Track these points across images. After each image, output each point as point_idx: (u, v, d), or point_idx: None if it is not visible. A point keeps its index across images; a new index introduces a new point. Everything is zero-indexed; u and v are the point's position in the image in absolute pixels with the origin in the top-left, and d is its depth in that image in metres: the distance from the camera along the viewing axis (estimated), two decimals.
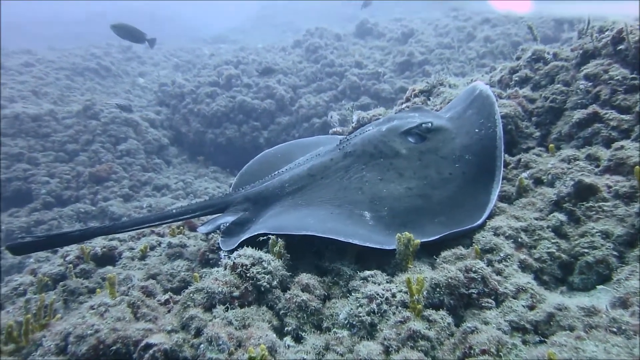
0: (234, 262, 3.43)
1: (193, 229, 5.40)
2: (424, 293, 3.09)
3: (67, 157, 13.36)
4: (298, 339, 3.12)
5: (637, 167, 3.41)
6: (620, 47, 4.67)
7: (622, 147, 3.89)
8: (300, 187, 4.38)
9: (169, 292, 3.64)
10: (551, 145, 4.69)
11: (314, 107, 14.45)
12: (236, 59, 17.29)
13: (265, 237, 3.82)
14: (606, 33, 5.00)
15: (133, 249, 5.05)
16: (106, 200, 12.14)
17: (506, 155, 4.87)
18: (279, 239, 3.70)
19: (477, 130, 4.25)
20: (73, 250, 5.03)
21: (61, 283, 4.33)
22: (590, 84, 4.72)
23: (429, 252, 3.68)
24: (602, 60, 4.80)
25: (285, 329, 3.19)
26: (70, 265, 4.62)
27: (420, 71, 14.82)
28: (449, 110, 4.83)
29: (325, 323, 3.22)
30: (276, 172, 4.77)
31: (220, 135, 14.96)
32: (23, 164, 12.70)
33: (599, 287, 3.20)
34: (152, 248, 5.01)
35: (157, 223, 4.60)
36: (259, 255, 3.47)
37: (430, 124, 4.36)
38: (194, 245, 4.87)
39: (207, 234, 4.63)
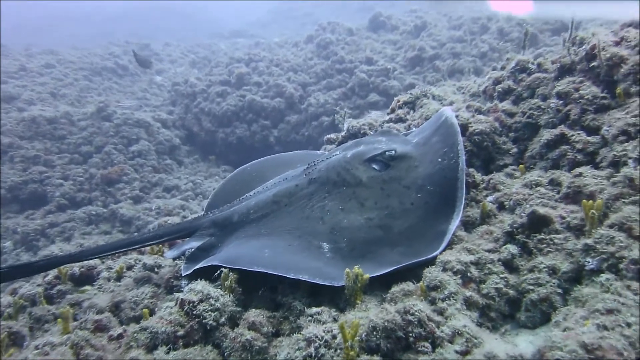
0: (181, 299, 3.49)
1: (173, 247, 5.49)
2: (363, 336, 3.08)
3: (82, 159, 13.68)
4: None
5: (584, 200, 3.32)
6: (593, 63, 4.51)
7: (580, 175, 3.78)
8: (264, 214, 4.40)
9: (124, 326, 3.73)
10: (521, 165, 4.60)
11: (323, 105, 14.37)
12: (247, 56, 17.30)
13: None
14: (583, 47, 4.82)
15: (111, 268, 5.15)
16: (117, 202, 12.42)
17: (479, 175, 4.80)
18: (231, 273, 3.74)
19: (439, 160, 4.18)
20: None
21: (28, 310, 4.45)
22: (561, 102, 4.59)
23: (385, 282, 3.66)
24: (575, 78, 4.65)
25: None
26: (41, 288, 4.72)
27: (430, 66, 14.57)
28: (418, 134, 4.76)
29: None
30: (244, 196, 4.80)
31: (230, 134, 15.09)
32: (39, 167, 13.06)
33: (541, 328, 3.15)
34: (130, 268, 5.11)
35: (124, 249, 4.68)
36: (207, 291, 3.52)
37: (393, 152, 4.31)
38: (170, 266, 4.96)
39: (174, 259, 4.71)
